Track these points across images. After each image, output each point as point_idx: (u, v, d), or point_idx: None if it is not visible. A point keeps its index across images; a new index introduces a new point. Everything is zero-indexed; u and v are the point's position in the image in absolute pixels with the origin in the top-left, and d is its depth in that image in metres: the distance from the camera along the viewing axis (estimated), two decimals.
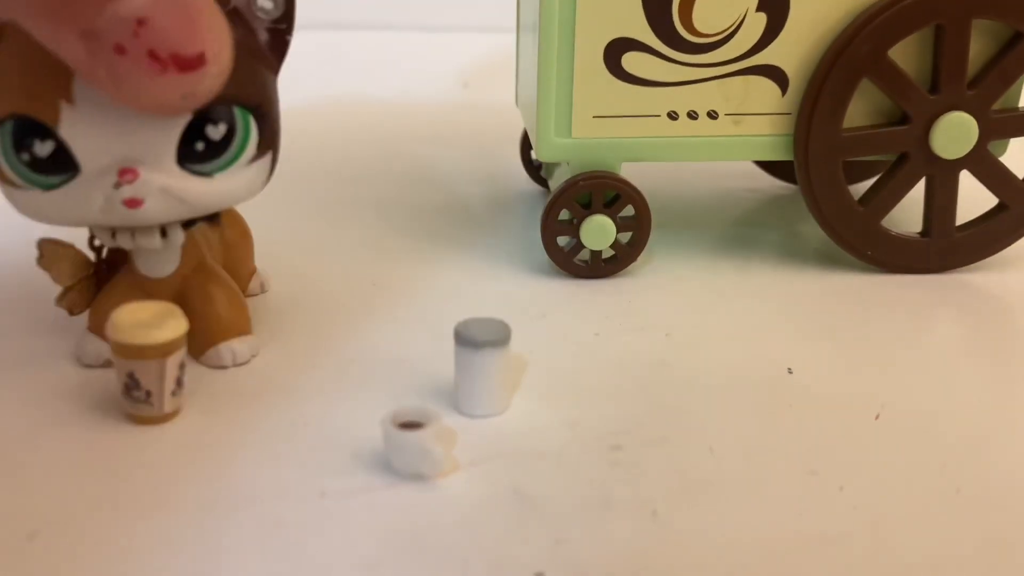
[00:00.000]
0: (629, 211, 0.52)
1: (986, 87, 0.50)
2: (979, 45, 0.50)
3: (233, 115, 0.38)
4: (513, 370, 0.43)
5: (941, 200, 0.53)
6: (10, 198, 0.39)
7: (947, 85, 0.50)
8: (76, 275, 0.43)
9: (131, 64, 0.33)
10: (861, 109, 0.51)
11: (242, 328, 0.44)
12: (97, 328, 0.43)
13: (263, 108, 0.39)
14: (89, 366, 0.43)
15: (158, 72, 0.33)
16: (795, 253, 0.57)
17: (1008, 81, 0.51)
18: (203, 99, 0.36)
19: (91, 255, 0.44)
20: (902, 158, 0.52)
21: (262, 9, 0.39)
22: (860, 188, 0.56)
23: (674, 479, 0.37)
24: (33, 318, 0.48)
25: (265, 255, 0.51)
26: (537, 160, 0.66)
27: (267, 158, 0.40)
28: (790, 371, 0.44)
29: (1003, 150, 0.53)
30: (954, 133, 0.51)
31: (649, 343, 0.47)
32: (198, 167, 0.38)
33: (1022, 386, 0.44)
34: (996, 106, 0.51)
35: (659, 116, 0.51)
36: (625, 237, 0.53)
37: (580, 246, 0.52)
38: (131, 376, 0.38)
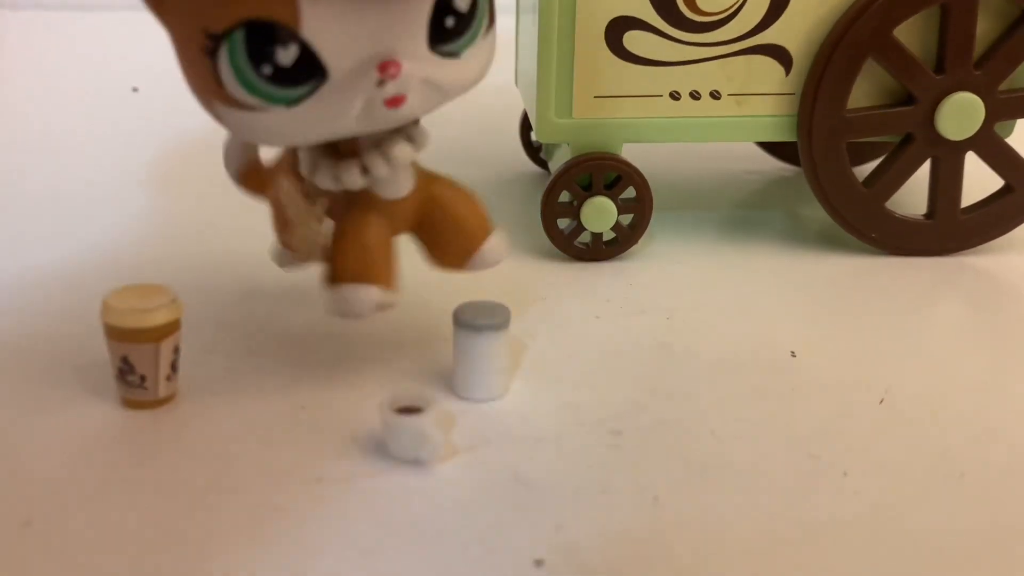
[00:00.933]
0: (630, 193, 0.52)
1: (993, 67, 0.50)
2: (986, 24, 0.49)
3: None
4: (512, 354, 0.42)
5: (946, 182, 0.52)
6: (242, 125, 0.34)
7: (953, 65, 0.50)
8: (314, 242, 0.39)
9: None
10: (865, 89, 0.51)
11: (488, 226, 0.41)
12: (355, 275, 0.38)
13: None
14: (360, 316, 0.38)
15: None
16: (797, 236, 0.56)
17: (1015, 61, 0.50)
18: None
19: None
20: (907, 139, 0.52)
21: None
22: (864, 170, 0.55)
23: (675, 464, 0.37)
24: (22, 303, 0.48)
25: (254, 233, 0.50)
26: (537, 141, 0.65)
27: (494, 29, 0.37)
28: (793, 354, 0.44)
29: (1009, 131, 0.52)
30: (960, 114, 0.50)
31: (650, 326, 0.46)
32: (448, 47, 0.35)
33: None
34: (1003, 86, 0.50)
35: (661, 96, 0.51)
36: (626, 219, 0.52)
37: (581, 228, 0.52)
38: (125, 360, 0.38)
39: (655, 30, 0.49)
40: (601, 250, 0.53)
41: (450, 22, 0.34)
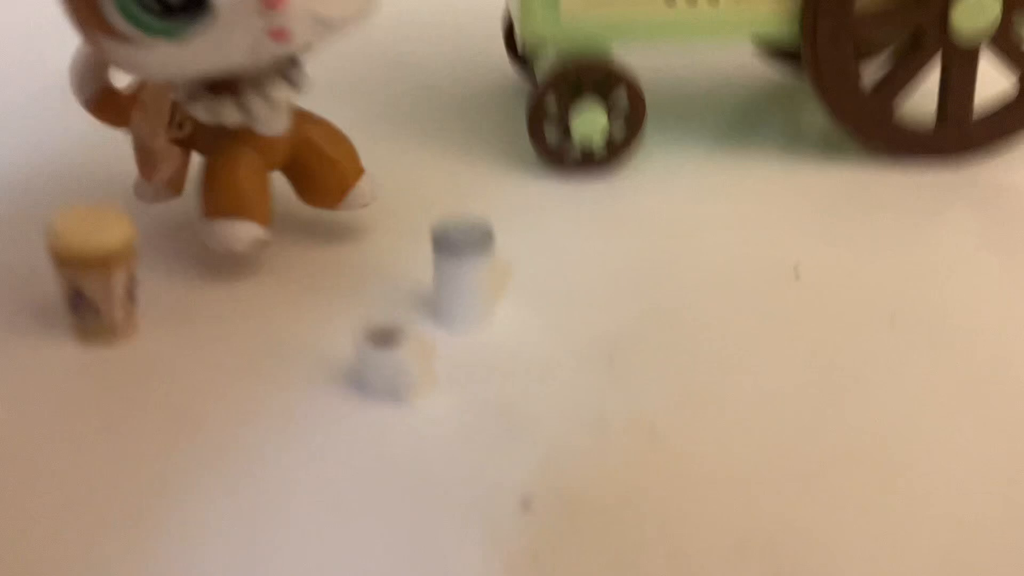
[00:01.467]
0: (622, 100, 0.48)
1: None
2: None
3: None
4: (497, 276, 0.40)
5: (959, 83, 0.49)
6: (122, 57, 0.35)
7: None
8: (166, 133, 0.39)
9: None
10: None
11: (359, 168, 0.42)
12: (232, 209, 0.38)
13: None
14: (241, 253, 0.39)
15: None
16: (798, 144, 0.53)
17: None
18: None
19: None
20: (917, 35, 0.48)
21: None
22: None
23: (674, 391, 0.35)
24: None
25: None
26: (523, 45, 0.61)
27: None
28: (796, 272, 0.41)
29: None
30: (976, 5, 0.47)
31: (645, 245, 0.44)
32: None
33: None
34: None
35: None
36: (618, 128, 0.49)
37: (569, 139, 0.49)
38: (75, 289, 0.35)
39: None
40: (591, 163, 0.50)
41: None
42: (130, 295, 0.36)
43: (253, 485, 0.31)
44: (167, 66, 0.34)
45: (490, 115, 0.57)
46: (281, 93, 0.37)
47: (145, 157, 0.40)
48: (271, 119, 0.38)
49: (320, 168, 0.41)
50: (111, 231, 0.35)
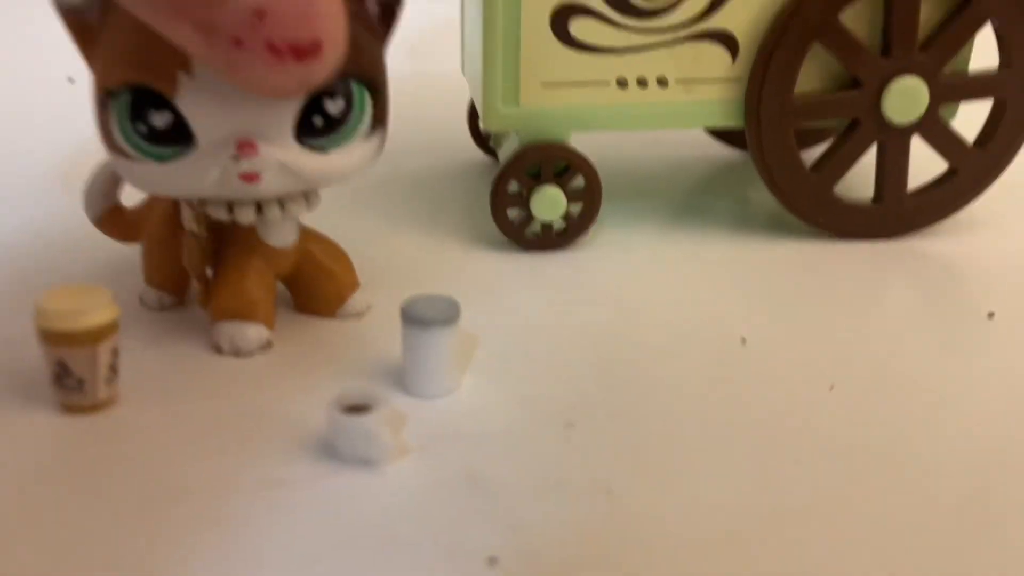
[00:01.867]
0: (579, 182, 0.51)
1: (937, 51, 0.50)
2: (929, 9, 0.50)
3: (351, 89, 0.38)
4: (463, 348, 0.42)
5: (893, 166, 0.52)
6: (122, 170, 0.39)
7: (898, 48, 0.50)
8: (204, 264, 0.42)
9: (249, 55, 0.33)
10: (812, 74, 0.51)
11: (354, 281, 0.45)
12: (241, 312, 0.41)
13: (377, 82, 0.39)
14: (250, 354, 0.41)
15: (276, 62, 0.33)
16: (746, 221, 0.56)
17: (958, 44, 0.50)
18: (318, 83, 0.35)
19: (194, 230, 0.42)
20: (854, 123, 0.52)
21: None
22: (811, 155, 0.56)
23: (628, 455, 0.36)
24: None
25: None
26: (485, 130, 0.64)
27: (380, 133, 0.40)
28: (744, 341, 0.44)
29: (953, 115, 0.53)
30: (905, 97, 0.50)
31: (602, 316, 0.46)
32: (315, 142, 0.38)
33: (972, 350, 0.44)
34: (946, 70, 0.51)
35: (608, 83, 0.50)
36: (576, 208, 0.52)
37: (530, 218, 0.51)
38: (61, 364, 0.37)
39: (601, 16, 0.49)
40: (551, 239, 0.52)
41: (318, 121, 0.38)
42: (113, 369, 0.38)
43: (231, 548, 0.32)
44: (154, 183, 0.38)
45: (455, 196, 0.60)
46: (297, 206, 0.40)
47: (153, 267, 0.45)
48: (282, 230, 0.41)
49: (319, 281, 0.44)
50: (96, 309, 0.37)
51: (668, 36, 0.49)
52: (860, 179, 0.55)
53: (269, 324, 0.42)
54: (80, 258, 0.50)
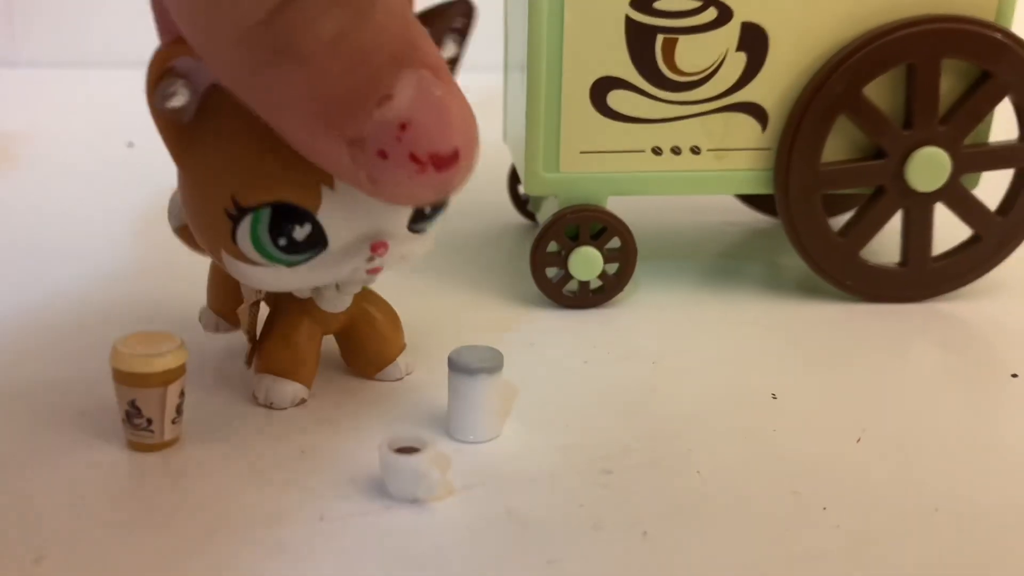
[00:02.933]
0: (616, 243, 0.54)
1: (957, 123, 0.52)
2: (949, 83, 0.52)
3: None
4: (505, 397, 0.44)
5: (917, 231, 0.54)
6: (240, 272, 0.39)
7: (920, 121, 0.52)
8: (255, 329, 0.44)
9: (393, 167, 0.33)
10: (839, 144, 0.53)
11: (401, 343, 0.47)
12: (282, 370, 0.43)
13: None
14: (282, 409, 0.43)
15: (417, 172, 0.33)
16: (776, 284, 0.58)
17: (978, 117, 0.53)
18: (454, 191, 0.35)
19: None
20: (879, 191, 0.54)
21: (447, 50, 0.40)
22: (839, 221, 0.58)
23: (663, 502, 0.38)
24: (28, 350, 0.49)
25: None
26: (525, 194, 0.67)
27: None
28: (774, 396, 0.46)
29: (975, 183, 0.55)
30: (928, 167, 0.53)
31: (637, 371, 0.48)
32: (421, 226, 0.40)
33: (996, 410, 0.45)
34: (967, 141, 0.53)
35: (644, 151, 0.53)
36: (612, 268, 0.54)
37: (568, 277, 0.54)
38: (132, 404, 0.39)
39: (637, 89, 0.52)
40: (588, 298, 0.54)
41: (428, 210, 0.40)
42: (179, 410, 0.40)
43: (291, 575, 0.34)
44: (279, 283, 0.39)
45: (496, 256, 0.62)
46: (352, 287, 0.42)
47: (216, 292, 0.47)
48: (337, 302, 0.43)
49: (368, 341, 0.45)
50: (167, 354, 0.39)
51: (701, 108, 0.52)
52: (886, 244, 0.57)
53: (308, 382, 0.44)
54: (148, 306, 0.53)
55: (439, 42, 0.39)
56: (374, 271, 0.39)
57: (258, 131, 0.36)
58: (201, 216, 0.38)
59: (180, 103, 0.36)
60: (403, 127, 0.32)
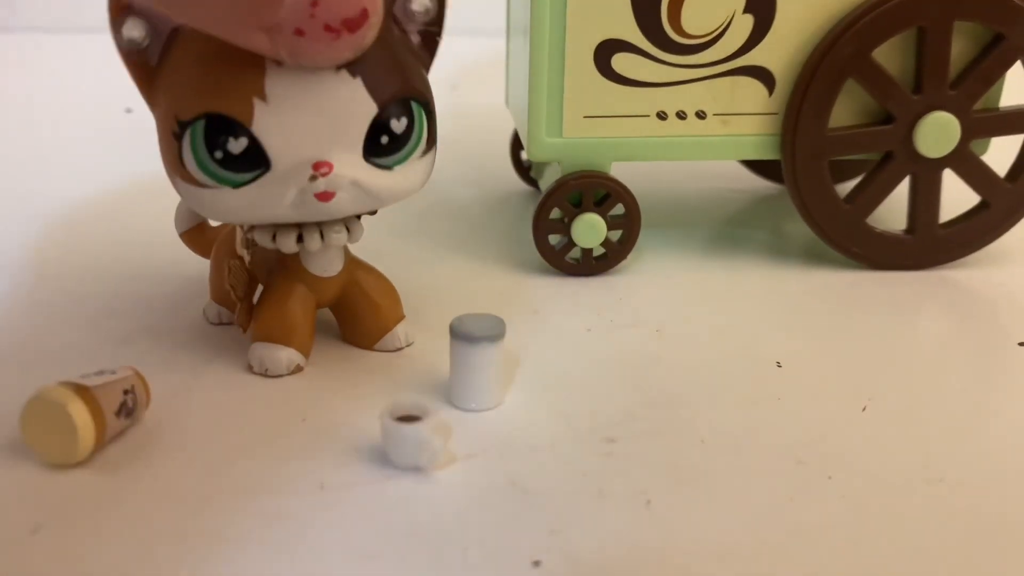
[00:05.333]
0: (619, 210, 0.53)
1: (968, 87, 0.52)
2: (960, 46, 0.51)
3: (412, 109, 0.40)
4: (507, 365, 0.43)
5: (925, 198, 0.54)
6: (195, 199, 0.40)
7: (930, 85, 0.51)
8: (244, 288, 0.44)
9: (311, 41, 0.36)
10: (846, 109, 0.52)
11: (399, 314, 0.46)
12: (275, 336, 0.43)
13: (431, 104, 0.41)
14: (279, 376, 0.43)
15: (333, 39, 0.36)
16: (782, 251, 0.58)
17: (989, 81, 0.52)
18: (368, 46, 0.37)
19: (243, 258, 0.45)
20: (887, 157, 0.53)
21: (420, 12, 0.41)
22: (846, 187, 0.57)
23: (666, 470, 0.38)
24: (24, 318, 0.49)
25: None
26: (527, 160, 0.67)
27: (432, 152, 0.42)
28: (779, 365, 0.45)
29: (984, 149, 0.54)
30: (937, 132, 0.52)
31: (640, 338, 0.48)
32: (381, 160, 0.40)
33: (1002, 379, 0.45)
34: (977, 106, 0.52)
35: (648, 116, 0.52)
36: (615, 235, 0.53)
37: (571, 244, 0.53)
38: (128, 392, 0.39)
39: (642, 52, 0.51)
40: (591, 265, 0.54)
41: (384, 140, 0.39)
42: (123, 407, 0.38)
43: (293, 548, 0.34)
44: (229, 210, 0.39)
45: (498, 223, 0.62)
46: (338, 237, 0.42)
47: (218, 285, 0.47)
48: (324, 260, 0.43)
49: (364, 311, 0.45)
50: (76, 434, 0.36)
51: (707, 71, 0.51)
52: (893, 211, 0.56)
53: (303, 350, 0.44)
54: (147, 266, 0.53)
55: None
56: (324, 196, 0.38)
57: (197, 54, 0.38)
58: (163, 151, 0.40)
59: (135, 34, 0.38)
60: (314, 3, 0.35)
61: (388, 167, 0.40)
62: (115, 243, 0.58)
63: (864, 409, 0.42)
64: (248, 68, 0.37)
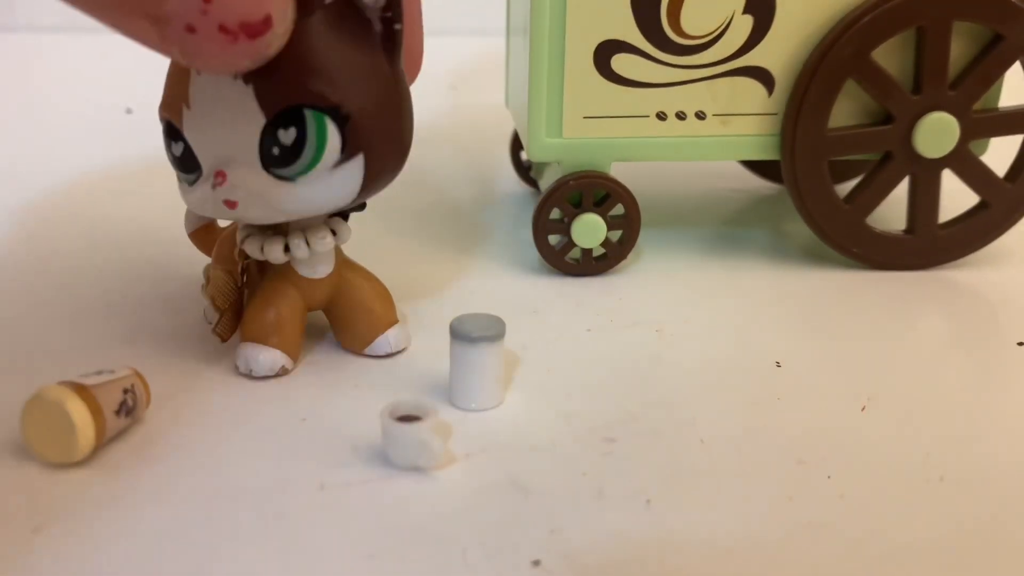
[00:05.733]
0: (619, 210, 0.53)
1: (967, 88, 0.52)
2: (960, 46, 0.51)
3: (303, 118, 0.37)
4: (507, 365, 0.43)
5: (924, 198, 0.54)
6: (180, 189, 0.42)
7: (929, 86, 0.51)
8: (228, 299, 0.44)
9: (202, 40, 0.33)
10: (846, 109, 0.53)
11: (392, 319, 0.45)
12: (261, 336, 0.43)
13: (344, 109, 0.37)
14: (264, 377, 0.43)
15: (229, 43, 0.33)
16: (782, 251, 0.58)
17: (988, 82, 0.52)
18: (271, 56, 0.35)
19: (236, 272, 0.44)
20: (886, 157, 0.53)
21: (370, 1, 0.38)
22: (845, 187, 0.57)
23: (666, 470, 0.38)
24: (26, 316, 0.49)
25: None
26: (527, 160, 0.67)
27: (356, 163, 0.39)
28: (778, 364, 0.45)
29: (984, 149, 0.54)
30: (936, 133, 0.52)
31: (640, 338, 0.48)
32: (280, 171, 0.38)
33: (1002, 378, 0.45)
34: (977, 106, 0.52)
35: (648, 116, 0.52)
36: (615, 235, 0.54)
37: (571, 244, 0.53)
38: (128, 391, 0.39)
39: (642, 53, 0.51)
40: (591, 265, 0.54)
41: (275, 151, 0.38)
42: (123, 406, 0.38)
43: (293, 548, 0.34)
44: (189, 203, 0.42)
45: (498, 223, 0.62)
46: (323, 242, 0.42)
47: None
48: (312, 263, 0.43)
49: (355, 314, 0.45)
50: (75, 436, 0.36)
51: (706, 72, 0.51)
52: (893, 211, 0.56)
53: (290, 352, 0.43)
54: (143, 265, 0.53)
55: None
56: (228, 204, 0.39)
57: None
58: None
59: None
60: (206, 0, 0.32)
61: (289, 178, 0.38)
62: (115, 243, 0.58)
63: (864, 409, 0.42)
64: (183, 76, 0.39)
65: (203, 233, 0.49)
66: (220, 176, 0.38)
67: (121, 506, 0.35)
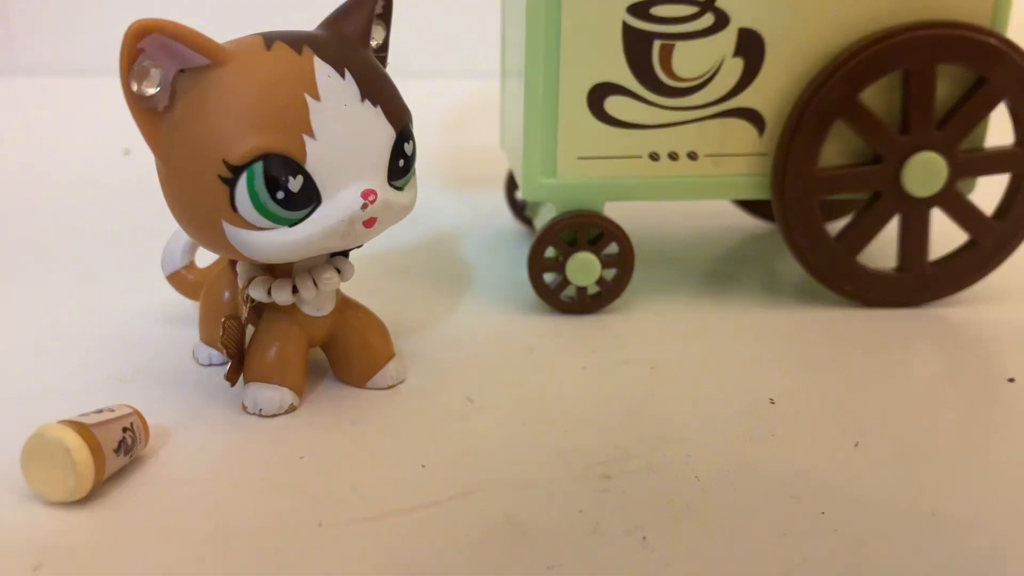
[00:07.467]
0: (613, 248, 0.54)
1: (953, 128, 0.53)
2: (946, 88, 0.52)
3: (412, 132, 0.42)
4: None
5: (914, 236, 0.55)
6: (246, 242, 0.39)
7: (916, 126, 0.52)
8: (240, 345, 0.44)
9: None
10: (835, 149, 0.53)
11: (390, 352, 0.47)
12: (268, 376, 0.44)
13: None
14: (274, 416, 0.43)
15: None
16: (774, 288, 0.58)
17: (973, 122, 0.53)
18: None
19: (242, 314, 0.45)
20: (875, 196, 0.54)
21: (374, 39, 0.43)
22: (837, 226, 0.58)
23: (662, 506, 0.38)
24: (26, 356, 0.49)
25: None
26: (522, 200, 0.67)
27: (415, 173, 0.44)
28: (772, 402, 0.46)
29: (971, 188, 0.55)
30: (924, 172, 0.53)
31: (635, 376, 0.48)
32: (397, 182, 0.41)
33: (993, 414, 0.46)
34: (963, 146, 0.53)
35: (641, 157, 0.53)
36: (610, 274, 0.54)
37: (566, 282, 0.54)
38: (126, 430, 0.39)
39: (634, 95, 0.52)
40: (586, 303, 0.54)
41: (400, 163, 0.41)
42: (129, 439, 0.39)
43: None
44: (283, 247, 0.39)
45: (493, 262, 0.62)
46: (331, 280, 0.43)
47: (207, 326, 0.48)
48: (317, 303, 0.44)
49: (355, 350, 0.46)
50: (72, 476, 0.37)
51: (698, 113, 0.52)
52: (883, 249, 0.57)
53: (297, 389, 0.44)
54: (140, 307, 0.53)
55: (367, 30, 0.41)
56: (370, 222, 0.40)
57: (233, 96, 0.37)
58: (194, 194, 0.39)
59: (153, 89, 0.38)
60: None
61: (401, 188, 0.42)
62: (114, 283, 0.58)
63: (857, 445, 0.42)
64: (293, 107, 0.38)
65: (182, 276, 0.50)
66: (372, 194, 0.39)
67: (121, 544, 0.35)
